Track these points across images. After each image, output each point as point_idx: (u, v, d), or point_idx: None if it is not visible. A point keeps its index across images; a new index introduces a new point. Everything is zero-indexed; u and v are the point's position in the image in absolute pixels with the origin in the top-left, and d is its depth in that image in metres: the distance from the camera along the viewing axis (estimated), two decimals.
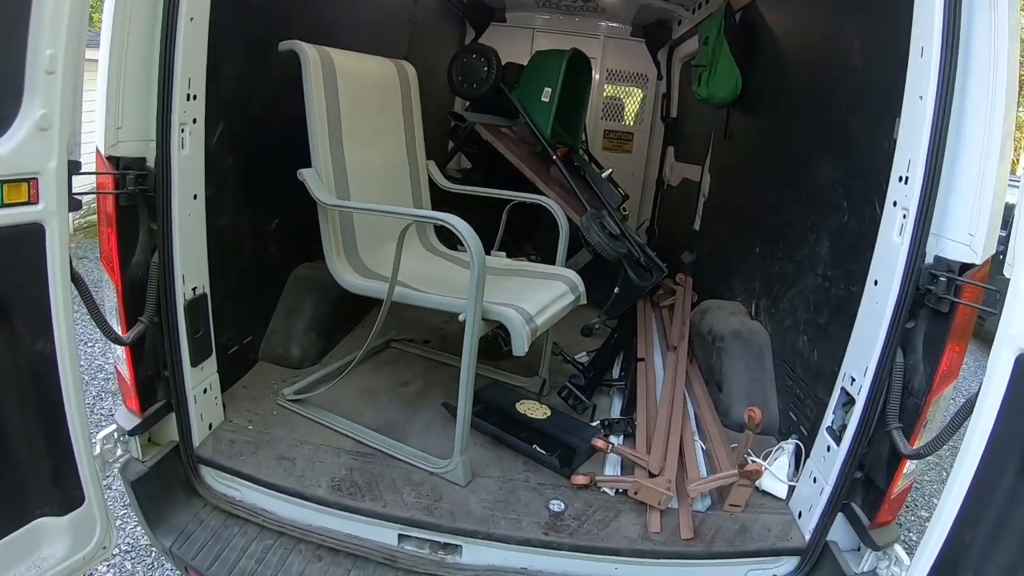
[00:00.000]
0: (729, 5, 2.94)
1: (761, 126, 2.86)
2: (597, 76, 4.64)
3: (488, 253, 2.44)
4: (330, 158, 2.03)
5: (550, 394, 2.33)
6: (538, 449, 1.92)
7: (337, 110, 2.07)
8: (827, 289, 1.99)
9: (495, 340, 2.42)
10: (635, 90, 4.76)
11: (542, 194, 2.73)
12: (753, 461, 1.82)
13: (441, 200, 2.56)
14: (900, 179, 1.48)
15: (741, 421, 2.19)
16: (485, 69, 3.48)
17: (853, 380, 1.62)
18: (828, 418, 1.72)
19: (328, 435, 1.97)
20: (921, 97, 1.41)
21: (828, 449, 1.67)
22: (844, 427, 1.64)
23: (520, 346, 1.74)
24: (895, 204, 1.50)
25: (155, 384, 1.73)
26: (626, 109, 4.82)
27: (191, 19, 1.55)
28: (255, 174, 2.07)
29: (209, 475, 1.83)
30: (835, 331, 1.91)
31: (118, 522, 2.52)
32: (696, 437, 2.13)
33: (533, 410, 2.06)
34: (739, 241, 2.88)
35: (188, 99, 1.61)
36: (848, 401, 1.65)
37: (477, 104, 3.69)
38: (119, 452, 1.70)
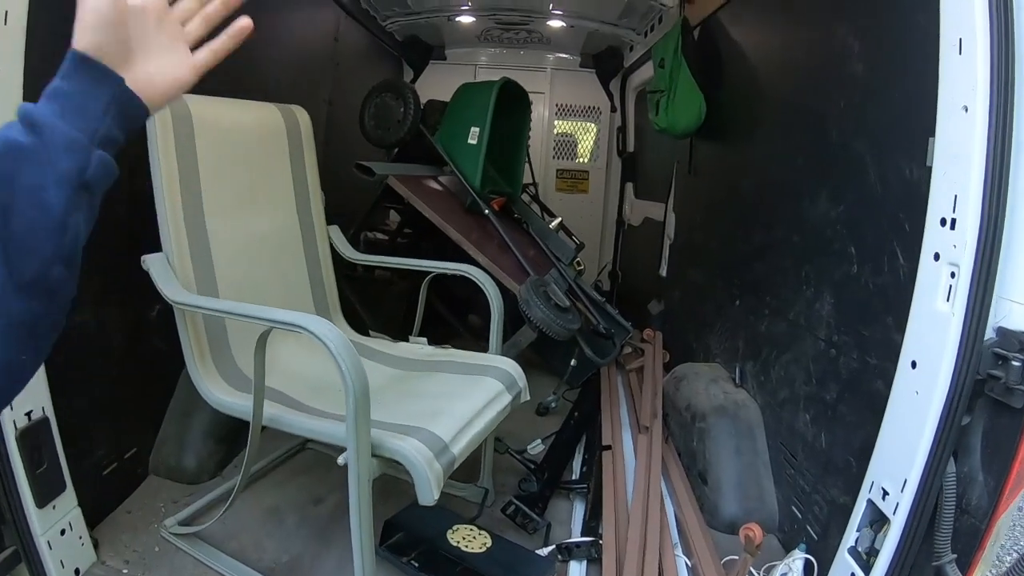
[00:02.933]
0: (686, 20, 2.54)
1: (734, 156, 2.45)
2: (546, 112, 4.28)
3: (405, 339, 1.96)
4: (185, 239, 1.57)
5: (495, 505, 1.81)
6: None
7: (195, 174, 1.60)
8: (834, 358, 1.55)
9: None
10: (588, 124, 4.39)
11: (472, 259, 2.26)
12: None
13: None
14: (942, 222, 1.07)
15: (732, 520, 1.75)
16: (401, 110, 2.84)
17: (886, 494, 1.18)
18: (851, 536, 1.28)
19: None
20: (966, 108, 1.01)
21: None
22: (874, 551, 1.20)
23: (427, 494, 1.20)
24: (937, 257, 1.08)
25: None
26: (579, 146, 4.45)
27: None
28: (120, 256, 1.61)
29: None
30: (848, 413, 1.48)
31: None
32: (678, 551, 1.65)
33: (469, 540, 1.54)
34: (715, 291, 2.45)
35: None
36: (879, 518, 1.22)
37: (402, 152, 3.05)
38: None
